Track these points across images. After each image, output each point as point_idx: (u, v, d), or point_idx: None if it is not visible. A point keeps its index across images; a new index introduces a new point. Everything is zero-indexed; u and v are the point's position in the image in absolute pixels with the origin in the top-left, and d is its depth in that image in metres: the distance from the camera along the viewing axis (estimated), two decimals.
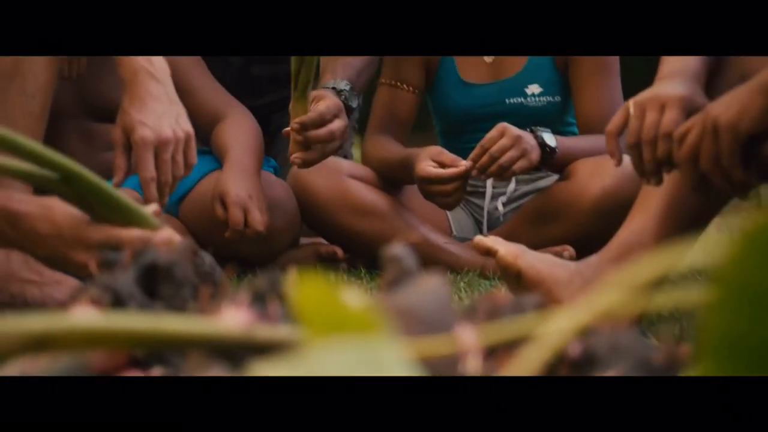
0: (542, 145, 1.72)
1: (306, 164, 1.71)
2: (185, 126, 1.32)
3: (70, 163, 0.88)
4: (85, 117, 1.85)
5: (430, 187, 1.72)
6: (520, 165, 1.68)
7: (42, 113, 1.35)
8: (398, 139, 1.94)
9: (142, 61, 1.30)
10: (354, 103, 1.76)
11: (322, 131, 1.66)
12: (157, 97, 1.29)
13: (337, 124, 1.68)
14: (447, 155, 1.74)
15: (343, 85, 1.75)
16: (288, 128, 1.69)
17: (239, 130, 1.81)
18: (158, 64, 1.32)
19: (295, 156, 1.68)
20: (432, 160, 1.73)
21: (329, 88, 1.75)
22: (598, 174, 1.70)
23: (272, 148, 2.03)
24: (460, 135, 1.95)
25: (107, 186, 0.90)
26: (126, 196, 0.93)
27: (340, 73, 1.79)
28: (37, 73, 1.33)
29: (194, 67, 1.91)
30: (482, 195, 1.94)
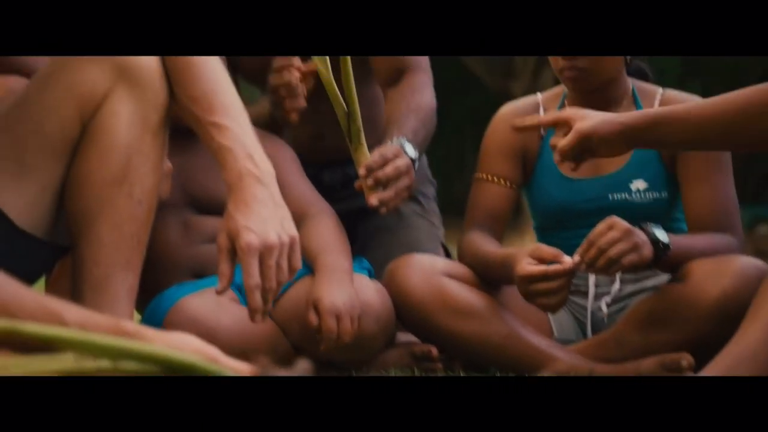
0: (654, 241, 1.64)
1: (384, 204, 1.72)
2: (290, 230, 1.28)
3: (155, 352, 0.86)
4: (186, 208, 1.84)
5: (532, 286, 1.63)
6: (630, 259, 1.59)
7: (148, 219, 1.34)
8: (495, 235, 1.88)
9: (247, 163, 1.28)
10: (412, 154, 1.78)
11: (388, 168, 1.71)
12: (262, 201, 1.27)
13: (401, 161, 1.73)
14: (546, 249, 1.66)
15: (400, 140, 1.79)
16: (359, 181, 1.73)
17: (328, 233, 1.78)
18: (263, 166, 1.29)
19: (372, 198, 1.71)
20: (531, 257, 1.66)
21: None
22: (717, 276, 1.61)
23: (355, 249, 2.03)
24: (560, 231, 1.88)
25: (193, 362, 0.88)
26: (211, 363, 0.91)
27: (395, 133, 1.82)
28: (144, 178, 1.32)
29: (289, 162, 1.90)
30: (585, 294, 1.85)
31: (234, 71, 2.03)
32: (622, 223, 1.61)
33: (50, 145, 1.29)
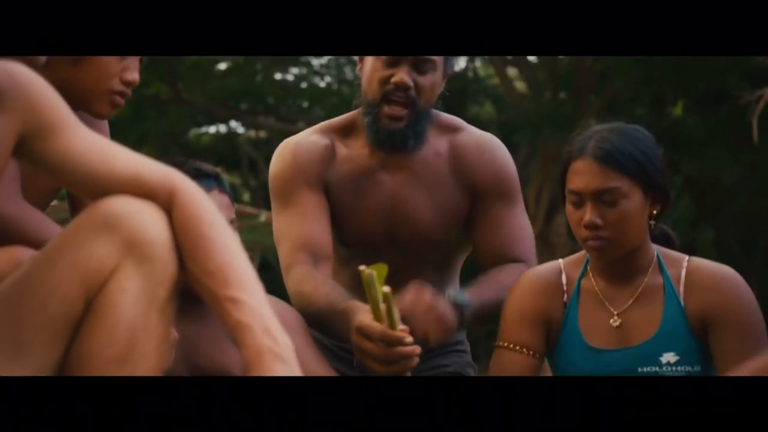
0: None
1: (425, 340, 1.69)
2: None
3: None
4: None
5: None
6: None
7: None
8: None
9: (266, 340, 1.22)
10: (462, 302, 1.78)
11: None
12: None
13: (424, 301, 1.71)
14: None
15: (454, 293, 1.79)
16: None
17: None
18: (282, 340, 1.23)
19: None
20: None
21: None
22: None
23: None
24: None
25: None
26: None
27: (462, 292, 1.82)
28: (148, 356, 1.25)
29: (297, 329, 1.83)
30: None
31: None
32: None
33: (51, 325, 1.23)
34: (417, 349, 1.62)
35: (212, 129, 14.71)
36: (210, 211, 1.28)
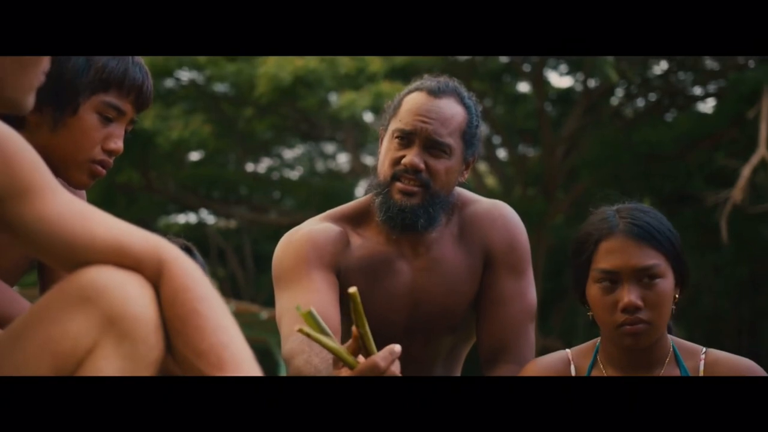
0: None
1: None
2: None
3: None
4: None
5: None
6: None
7: None
8: None
9: None
10: None
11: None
12: None
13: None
14: None
15: None
16: None
17: None
18: None
19: None
20: None
21: None
22: None
23: None
24: None
25: None
26: None
27: None
28: None
29: None
30: None
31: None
32: None
33: None
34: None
35: (182, 218, 14.59)
36: (203, 283, 1.16)
